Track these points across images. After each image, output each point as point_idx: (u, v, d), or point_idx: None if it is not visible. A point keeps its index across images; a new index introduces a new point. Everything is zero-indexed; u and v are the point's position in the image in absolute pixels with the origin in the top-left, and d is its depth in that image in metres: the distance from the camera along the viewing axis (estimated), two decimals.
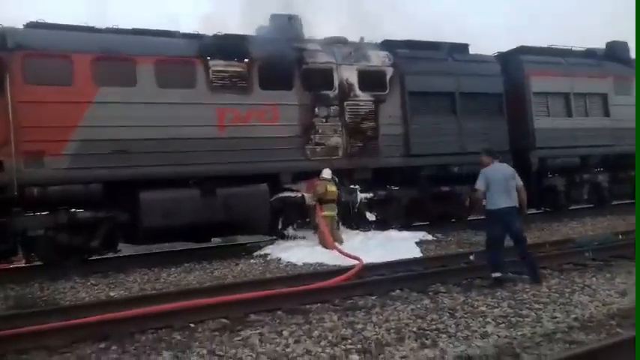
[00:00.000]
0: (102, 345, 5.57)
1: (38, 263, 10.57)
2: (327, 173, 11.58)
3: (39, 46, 10.13)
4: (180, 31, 11.90)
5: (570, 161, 15.13)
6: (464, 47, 14.88)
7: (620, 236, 10.84)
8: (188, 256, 11.19)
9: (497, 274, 7.58)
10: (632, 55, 17.39)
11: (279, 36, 12.12)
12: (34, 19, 10.67)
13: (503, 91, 14.64)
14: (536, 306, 6.37)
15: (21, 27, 10.47)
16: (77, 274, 9.72)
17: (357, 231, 12.27)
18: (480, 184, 7.75)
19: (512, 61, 15.33)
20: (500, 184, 7.74)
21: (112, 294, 8.40)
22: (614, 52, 17.18)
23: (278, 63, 11.77)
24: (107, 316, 6.19)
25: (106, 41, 10.78)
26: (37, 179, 9.86)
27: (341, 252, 10.05)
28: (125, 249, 11.88)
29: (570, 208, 15.85)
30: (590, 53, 16.79)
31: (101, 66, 10.51)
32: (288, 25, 12.59)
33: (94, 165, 10.21)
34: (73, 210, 10.28)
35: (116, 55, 10.70)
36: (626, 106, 16.25)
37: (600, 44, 17.46)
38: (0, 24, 10.13)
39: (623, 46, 17.45)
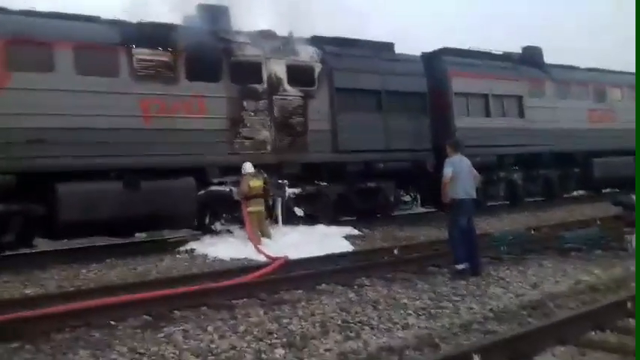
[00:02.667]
0: (15, 345, 5.30)
1: None
2: (248, 167, 11.36)
3: None
4: (102, 17, 11.44)
5: (488, 159, 15.83)
6: (389, 46, 15.22)
7: (533, 231, 11.49)
8: (110, 252, 10.79)
9: (463, 266, 7.74)
10: (545, 59, 18.45)
11: (207, 26, 11.91)
12: None
13: (426, 90, 15.11)
14: (455, 298, 6.65)
15: None
16: None
17: (290, 226, 12.24)
18: (447, 172, 7.85)
19: (436, 62, 15.86)
20: (467, 174, 7.98)
21: (26, 291, 7.97)
22: (530, 56, 18.17)
23: (205, 54, 11.57)
24: (20, 314, 5.89)
25: (21, 24, 10.18)
26: None
27: (259, 251, 9.97)
28: (42, 244, 11.29)
29: (488, 204, 16.61)
30: (507, 57, 17.65)
31: (15, 50, 9.92)
32: (215, 15, 12.39)
33: (6, 155, 9.62)
34: None
35: (32, 39, 10.13)
36: (539, 108, 17.26)
37: (516, 48, 18.44)
38: None
39: (538, 51, 18.49)
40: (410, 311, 6.08)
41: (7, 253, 10.46)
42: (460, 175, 7.93)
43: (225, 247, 10.62)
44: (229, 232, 11.84)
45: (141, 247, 11.39)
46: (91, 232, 11.01)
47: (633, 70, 20.39)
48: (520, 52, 18.36)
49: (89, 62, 10.59)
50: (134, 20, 11.49)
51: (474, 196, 8.14)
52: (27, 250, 10.76)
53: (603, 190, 20.24)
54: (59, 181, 10.03)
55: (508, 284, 7.31)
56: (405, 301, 6.54)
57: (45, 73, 10.17)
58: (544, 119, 17.19)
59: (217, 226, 11.97)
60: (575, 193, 19.66)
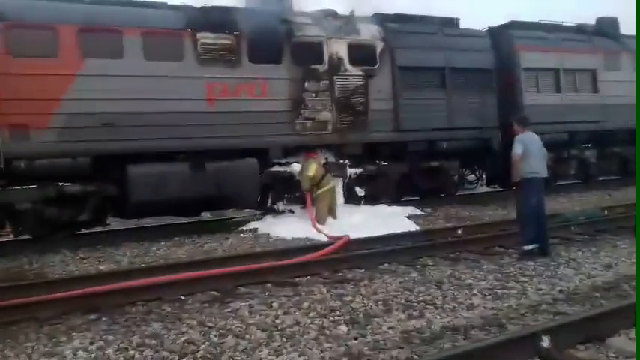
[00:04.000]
0: (92, 316, 5.60)
1: (27, 237, 10.52)
2: (296, 168, 11.57)
3: (23, 17, 9.92)
4: (167, 3, 11.72)
5: (558, 137, 15.18)
6: (454, 21, 14.78)
7: (606, 211, 10.98)
8: (177, 231, 11.20)
9: (531, 246, 7.55)
10: (622, 31, 17.39)
11: (268, 8, 11.96)
12: None
13: (493, 66, 14.61)
14: (522, 278, 6.48)
15: None
16: (66, 247, 9.71)
17: (352, 206, 12.19)
18: (518, 149, 7.63)
19: (503, 36, 15.26)
20: (537, 151, 7.76)
21: (101, 267, 8.40)
22: (604, 27, 17.16)
23: (267, 36, 11.60)
24: (97, 288, 6.22)
25: (92, 12, 10.57)
26: (24, 152, 9.75)
27: (320, 231, 10.05)
28: (114, 223, 11.85)
29: (558, 183, 15.97)
30: (579, 29, 16.76)
31: (87, 37, 10.32)
32: None
33: (81, 138, 10.09)
34: (60, 184, 10.19)
35: (102, 26, 10.52)
36: (615, 82, 16.31)
37: (590, 20, 17.47)
38: None
39: (613, 21, 17.43)
40: (475, 291, 5.98)
41: (83, 231, 11.04)
42: (530, 152, 7.66)
43: (287, 226, 10.72)
44: (291, 212, 11.97)
45: (206, 226, 11.72)
46: (160, 212, 11.41)
47: None
48: (594, 23, 17.36)
49: (156, 48, 10.87)
50: (198, 5, 11.69)
51: (545, 174, 7.86)
52: (101, 229, 11.30)
53: None
54: (130, 163, 10.44)
55: (579, 265, 7.04)
56: (470, 281, 6.44)
57: (115, 59, 10.55)
58: (620, 94, 16.24)
59: (279, 206, 12.12)
60: None
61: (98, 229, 11.27)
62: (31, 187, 10.01)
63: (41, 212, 10.05)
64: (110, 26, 10.56)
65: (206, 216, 12.98)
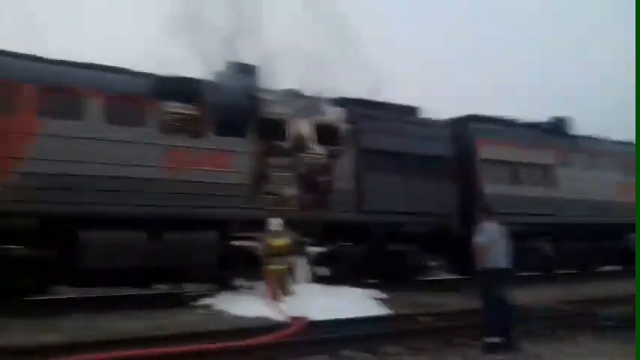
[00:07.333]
0: None
1: None
2: (273, 224, 11.17)
3: None
4: (135, 69, 11.62)
5: (515, 228, 15.31)
6: (415, 110, 15.26)
7: (566, 306, 10.91)
8: (129, 302, 10.51)
9: (497, 340, 7.30)
10: (575, 130, 18.25)
11: (237, 83, 12.06)
12: None
13: (453, 155, 14.94)
14: None
15: None
16: (7, 315, 8.89)
17: (313, 286, 11.78)
18: (482, 238, 7.58)
19: (463, 128, 15.79)
20: (501, 241, 7.67)
21: (41, 339, 7.65)
22: (559, 126, 18.01)
23: (233, 110, 11.62)
24: None
25: (55, 72, 10.39)
26: None
27: (279, 311, 9.65)
28: (64, 291, 11.07)
29: (516, 275, 15.96)
30: (536, 125, 17.57)
31: (47, 97, 10.05)
32: (246, 73, 12.55)
33: (32, 199, 9.57)
34: (5, 246, 9.53)
35: (64, 87, 10.29)
36: (568, 179, 16.91)
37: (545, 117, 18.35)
38: None
39: (568, 121, 18.32)
40: None
41: (31, 297, 10.22)
42: (496, 242, 7.60)
43: (244, 304, 10.23)
44: (250, 288, 11.45)
45: (159, 299, 11.05)
46: (110, 281, 10.77)
47: None
48: (550, 120, 18.21)
49: (119, 112, 10.66)
50: (166, 73, 11.63)
51: (508, 265, 7.76)
52: (44, 297, 10.51)
53: None
54: (82, 229, 9.92)
55: None
56: None
57: (75, 120, 10.26)
58: (574, 189, 16.82)
59: (238, 281, 11.62)
60: (609, 268, 18.80)
61: (42, 296, 10.47)
62: None
63: None
64: (72, 87, 10.34)
65: (160, 288, 12.27)
